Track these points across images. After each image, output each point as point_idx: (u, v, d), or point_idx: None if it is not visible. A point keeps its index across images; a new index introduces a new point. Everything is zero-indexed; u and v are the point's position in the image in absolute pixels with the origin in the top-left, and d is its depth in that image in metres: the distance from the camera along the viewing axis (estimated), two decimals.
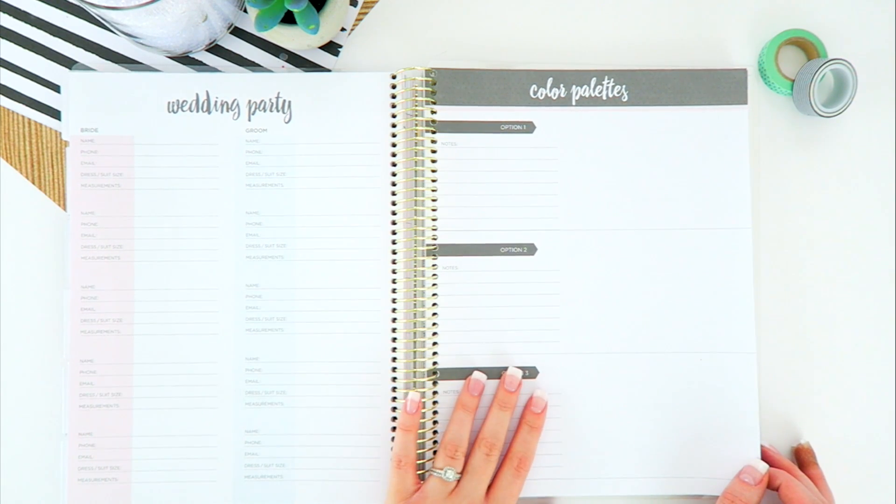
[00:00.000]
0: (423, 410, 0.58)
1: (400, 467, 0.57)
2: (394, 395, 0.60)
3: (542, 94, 0.61)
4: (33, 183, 0.62)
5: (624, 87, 0.61)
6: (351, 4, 0.62)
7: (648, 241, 0.61)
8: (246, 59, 0.62)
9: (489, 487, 0.57)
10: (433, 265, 0.60)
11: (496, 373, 0.60)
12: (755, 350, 0.60)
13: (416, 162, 0.61)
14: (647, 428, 0.60)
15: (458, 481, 0.56)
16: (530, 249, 0.61)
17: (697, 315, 0.61)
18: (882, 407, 0.62)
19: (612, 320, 0.61)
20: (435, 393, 0.60)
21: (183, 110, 0.61)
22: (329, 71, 0.62)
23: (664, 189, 0.61)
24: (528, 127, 0.61)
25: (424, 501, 0.55)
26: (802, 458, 0.60)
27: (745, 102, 0.61)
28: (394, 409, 0.60)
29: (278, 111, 0.61)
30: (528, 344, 0.60)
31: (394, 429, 0.59)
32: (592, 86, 0.61)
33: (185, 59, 0.62)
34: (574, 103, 0.61)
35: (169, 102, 0.61)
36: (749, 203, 0.61)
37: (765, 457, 0.59)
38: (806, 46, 0.63)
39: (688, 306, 0.61)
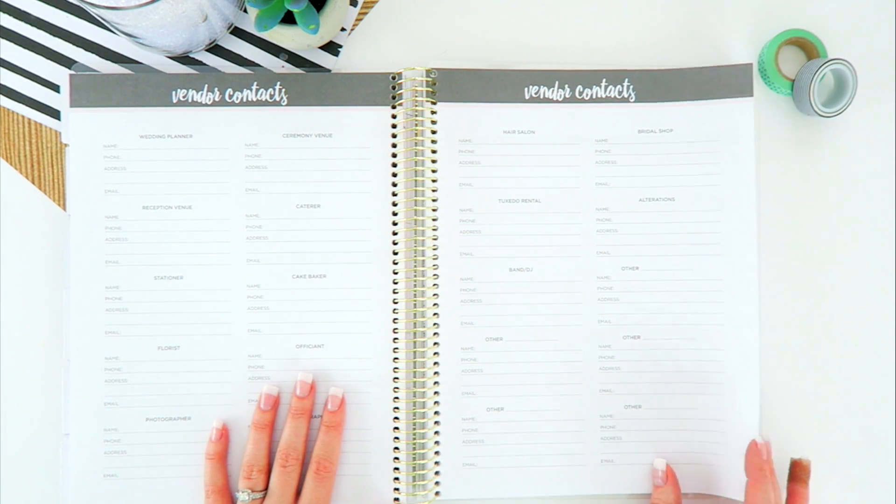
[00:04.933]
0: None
1: (208, 496, 0.57)
2: (395, 395, 0.60)
3: (545, 94, 0.61)
4: (33, 183, 0.62)
5: (631, 86, 0.62)
6: (351, 4, 0.62)
7: (650, 239, 0.61)
8: (246, 59, 0.62)
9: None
10: (434, 265, 0.60)
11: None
12: (757, 347, 0.60)
13: (416, 163, 0.61)
14: (646, 427, 0.60)
15: (263, 499, 0.56)
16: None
17: (699, 312, 0.61)
18: (882, 407, 0.62)
19: (610, 318, 0.61)
20: (436, 393, 0.60)
21: (183, 112, 0.61)
22: (329, 71, 0.62)
23: (669, 188, 0.61)
24: (532, 126, 0.61)
25: None
26: (794, 472, 0.59)
27: (751, 94, 0.61)
28: (395, 408, 0.60)
29: (278, 111, 0.61)
30: (533, 342, 0.61)
31: (396, 428, 0.60)
32: (603, 87, 0.61)
33: (185, 59, 0.62)
34: (580, 102, 0.61)
35: (168, 105, 0.60)
36: (754, 199, 0.61)
37: (748, 453, 0.58)
38: (806, 46, 0.63)
39: (690, 303, 0.61)
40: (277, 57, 0.62)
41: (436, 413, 0.60)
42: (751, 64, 0.61)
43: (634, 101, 0.61)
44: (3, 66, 0.61)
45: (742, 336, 0.60)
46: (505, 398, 0.60)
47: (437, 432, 0.60)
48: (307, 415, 0.58)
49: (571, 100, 0.61)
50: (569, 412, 0.60)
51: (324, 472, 0.56)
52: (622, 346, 0.61)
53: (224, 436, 0.58)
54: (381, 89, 0.61)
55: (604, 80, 0.61)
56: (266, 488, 0.57)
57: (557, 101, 0.61)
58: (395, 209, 0.61)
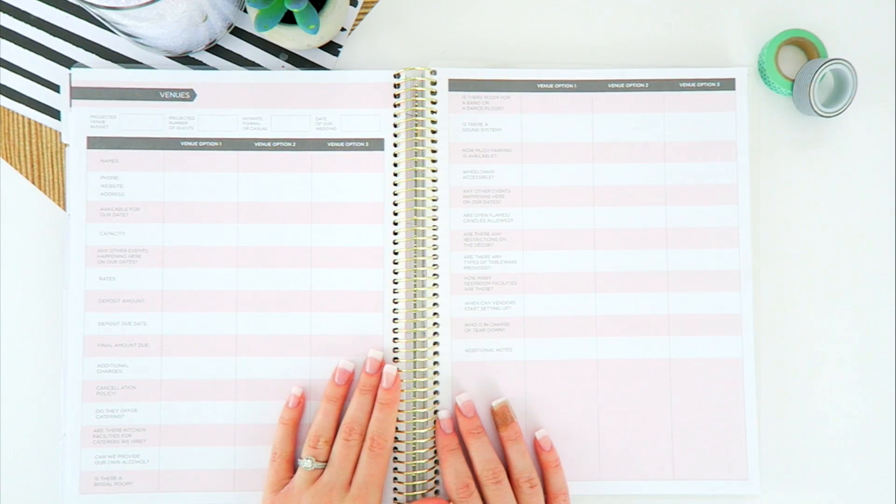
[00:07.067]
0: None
1: (274, 460, 0.58)
2: None
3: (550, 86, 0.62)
4: (33, 183, 0.62)
5: (647, 83, 0.62)
6: (351, 4, 0.62)
7: (649, 239, 0.61)
8: (246, 59, 0.62)
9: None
10: (434, 265, 0.60)
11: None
12: (754, 350, 0.60)
13: (416, 163, 0.61)
14: (642, 429, 0.60)
15: (323, 470, 0.57)
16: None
17: (696, 314, 0.61)
18: (882, 407, 0.62)
19: (606, 318, 0.61)
20: (436, 392, 0.60)
21: (182, 111, 0.61)
22: (329, 71, 0.62)
23: (666, 189, 0.62)
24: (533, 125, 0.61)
25: (290, 492, 0.56)
26: (494, 421, 0.60)
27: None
28: None
29: (278, 111, 0.61)
30: (526, 340, 0.61)
31: (396, 428, 0.59)
32: (610, 90, 0.62)
33: (185, 60, 0.62)
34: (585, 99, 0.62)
35: (168, 105, 0.60)
36: (748, 201, 0.61)
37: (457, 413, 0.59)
38: (806, 46, 0.63)
39: (687, 306, 0.61)
40: (277, 57, 0.62)
41: (435, 413, 0.60)
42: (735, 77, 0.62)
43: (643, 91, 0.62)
44: (3, 66, 0.61)
45: (740, 337, 0.61)
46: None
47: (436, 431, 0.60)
48: (374, 391, 0.59)
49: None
50: (566, 412, 0.60)
51: (377, 449, 0.57)
52: (615, 347, 0.61)
53: (301, 403, 0.59)
54: (381, 89, 0.61)
55: (610, 86, 0.62)
56: (328, 459, 0.57)
57: (563, 102, 0.62)
58: (396, 209, 0.61)
